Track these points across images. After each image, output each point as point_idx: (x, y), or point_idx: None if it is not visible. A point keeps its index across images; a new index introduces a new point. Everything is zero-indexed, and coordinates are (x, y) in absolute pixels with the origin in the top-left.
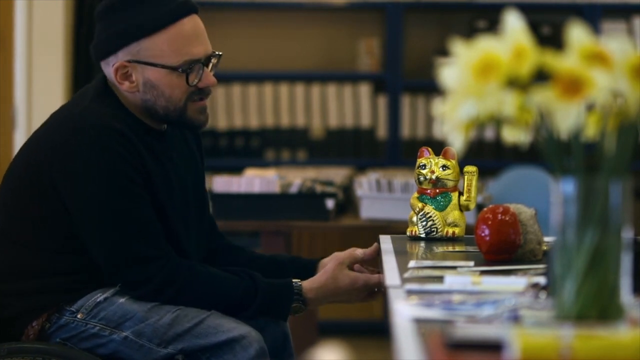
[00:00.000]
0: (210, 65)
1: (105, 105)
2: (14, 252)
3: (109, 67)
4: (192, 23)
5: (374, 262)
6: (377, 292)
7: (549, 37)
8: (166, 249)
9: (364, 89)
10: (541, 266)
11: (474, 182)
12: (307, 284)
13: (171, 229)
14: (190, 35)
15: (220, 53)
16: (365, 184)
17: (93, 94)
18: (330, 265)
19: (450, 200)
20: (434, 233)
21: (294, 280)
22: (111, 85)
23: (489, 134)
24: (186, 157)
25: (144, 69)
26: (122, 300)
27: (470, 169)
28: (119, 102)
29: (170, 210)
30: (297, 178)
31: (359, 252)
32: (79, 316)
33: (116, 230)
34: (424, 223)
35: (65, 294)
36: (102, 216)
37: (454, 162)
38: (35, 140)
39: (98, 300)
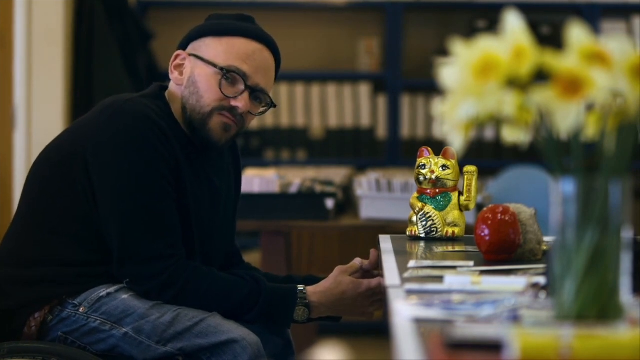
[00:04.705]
0: (256, 99)
1: (154, 104)
2: (31, 237)
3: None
4: (261, 52)
5: (376, 269)
6: (382, 306)
7: (549, 37)
8: (179, 250)
9: (364, 89)
10: (541, 266)
11: (473, 182)
12: (311, 289)
13: (190, 234)
14: (250, 56)
15: (274, 104)
16: (365, 184)
17: (145, 93)
18: (333, 272)
19: (450, 200)
20: (434, 233)
21: (298, 285)
22: (168, 95)
23: (489, 134)
24: (222, 181)
25: (195, 64)
26: (124, 296)
27: (469, 168)
28: (169, 108)
29: (194, 216)
30: (297, 178)
31: (358, 261)
32: (81, 310)
33: (135, 223)
34: (424, 223)
35: (70, 286)
36: (125, 206)
37: (453, 162)
38: (74, 126)
39: (101, 294)
